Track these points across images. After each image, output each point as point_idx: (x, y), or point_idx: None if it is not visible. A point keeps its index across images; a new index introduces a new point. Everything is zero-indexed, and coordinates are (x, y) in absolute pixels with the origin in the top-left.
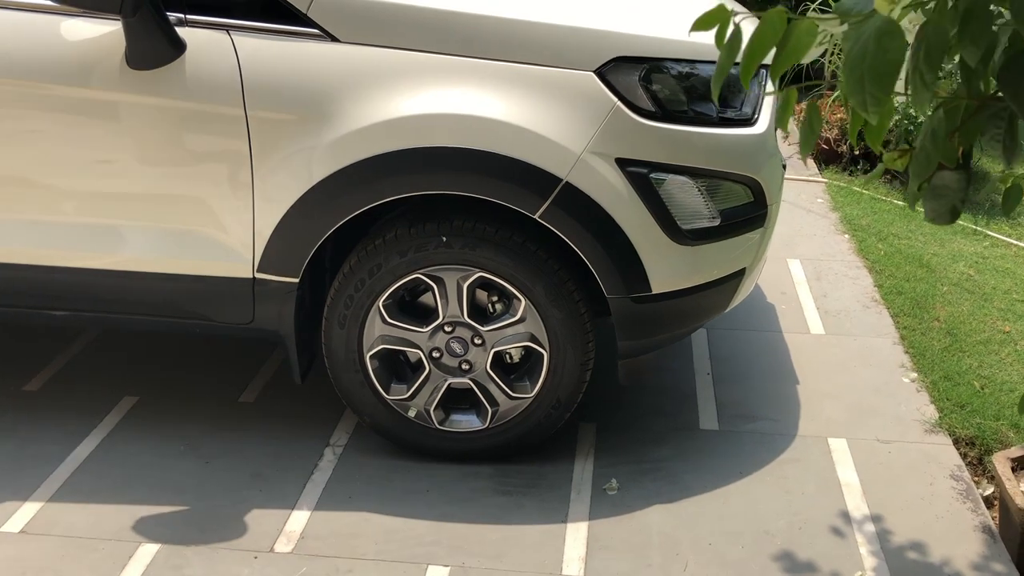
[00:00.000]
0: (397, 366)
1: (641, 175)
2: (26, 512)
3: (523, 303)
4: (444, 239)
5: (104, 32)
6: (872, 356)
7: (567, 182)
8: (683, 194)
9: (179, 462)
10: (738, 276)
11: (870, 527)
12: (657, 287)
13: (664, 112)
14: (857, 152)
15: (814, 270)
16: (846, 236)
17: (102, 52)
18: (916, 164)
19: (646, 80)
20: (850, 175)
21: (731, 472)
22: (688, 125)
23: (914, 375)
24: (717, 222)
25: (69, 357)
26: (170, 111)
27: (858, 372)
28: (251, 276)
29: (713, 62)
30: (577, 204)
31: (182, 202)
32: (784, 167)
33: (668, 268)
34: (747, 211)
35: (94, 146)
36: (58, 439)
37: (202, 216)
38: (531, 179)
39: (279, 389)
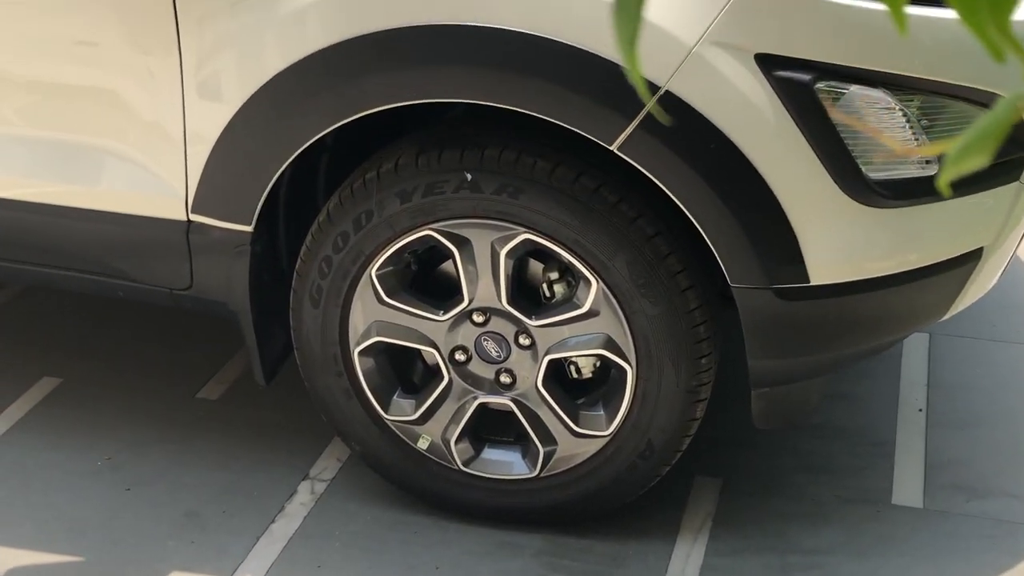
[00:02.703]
0: (403, 371)
1: (801, 84)
2: None
3: (594, 287)
4: (469, 177)
5: None
6: None
7: (668, 91)
8: (876, 119)
9: (91, 484)
10: (970, 261)
11: None
12: (820, 275)
13: None
14: None
15: None
16: None
17: None
18: None
19: None
20: None
21: None
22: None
23: None
24: (935, 169)
25: None
26: None
27: None
28: (184, 218)
29: None
30: (683, 129)
31: (81, 100)
32: None
33: (841, 243)
34: None
35: None
36: None
37: (110, 122)
38: (607, 86)
39: (255, 386)
